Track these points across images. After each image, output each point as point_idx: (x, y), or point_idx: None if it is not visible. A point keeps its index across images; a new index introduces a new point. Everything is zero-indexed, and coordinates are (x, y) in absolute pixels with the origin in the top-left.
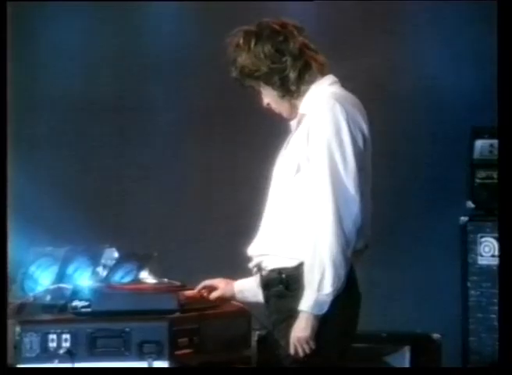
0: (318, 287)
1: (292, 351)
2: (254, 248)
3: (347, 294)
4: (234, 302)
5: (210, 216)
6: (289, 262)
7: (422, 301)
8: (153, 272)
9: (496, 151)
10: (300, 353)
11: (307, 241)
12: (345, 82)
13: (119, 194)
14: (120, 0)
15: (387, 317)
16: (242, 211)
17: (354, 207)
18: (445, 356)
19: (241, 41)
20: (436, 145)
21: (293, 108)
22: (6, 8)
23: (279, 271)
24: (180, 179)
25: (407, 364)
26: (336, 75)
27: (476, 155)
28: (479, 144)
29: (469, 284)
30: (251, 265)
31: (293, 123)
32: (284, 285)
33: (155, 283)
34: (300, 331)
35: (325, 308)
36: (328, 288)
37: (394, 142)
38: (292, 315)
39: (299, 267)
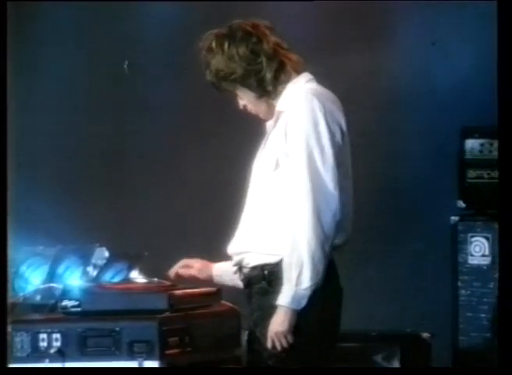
0: (296, 282)
1: (269, 345)
2: (234, 246)
3: (327, 289)
4: (224, 302)
5: (200, 215)
6: (270, 259)
7: (412, 301)
8: (143, 271)
9: (486, 151)
10: (278, 347)
11: (285, 236)
12: (333, 80)
13: (109, 194)
14: (119, 0)
15: (377, 317)
16: (233, 211)
17: (333, 202)
18: (435, 356)
19: (214, 45)
20: (426, 145)
21: (270, 109)
22: (6, 8)
23: (262, 268)
24: (171, 179)
25: (396, 364)
26: (323, 74)
27: (466, 154)
28: (469, 143)
29: (459, 284)
30: (232, 263)
31: (269, 124)
32: (266, 281)
33: (145, 283)
34: (278, 325)
35: (303, 302)
36: (306, 283)
37: (384, 142)
38: (274, 311)
39: (280, 263)
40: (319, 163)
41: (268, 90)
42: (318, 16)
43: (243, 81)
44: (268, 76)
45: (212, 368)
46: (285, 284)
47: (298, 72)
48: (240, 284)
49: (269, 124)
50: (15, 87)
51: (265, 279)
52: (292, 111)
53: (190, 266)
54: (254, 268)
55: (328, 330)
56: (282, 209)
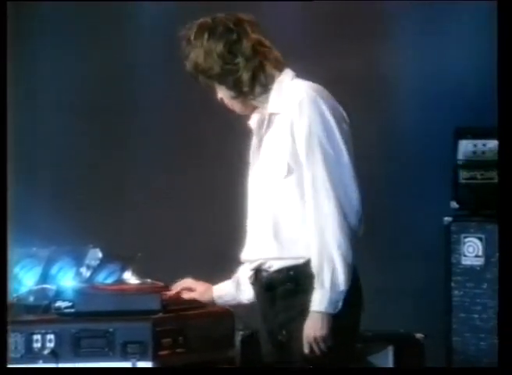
0: (331, 286)
1: (307, 350)
2: (249, 253)
3: (354, 291)
4: None
5: (193, 216)
6: (295, 261)
7: (405, 301)
8: (136, 272)
9: (479, 152)
10: (317, 352)
11: (308, 239)
12: (324, 81)
13: (103, 194)
14: (119, 0)
15: (370, 316)
16: (225, 213)
17: (354, 198)
18: (428, 356)
19: (193, 37)
20: (419, 145)
21: (247, 107)
22: (6, 8)
23: (287, 269)
24: (165, 180)
25: (390, 364)
26: (320, 76)
27: (460, 155)
28: (463, 144)
29: (452, 284)
30: (250, 268)
31: (252, 123)
32: (294, 282)
33: (138, 284)
34: (316, 331)
35: (340, 305)
36: (342, 286)
37: (377, 142)
38: (303, 313)
39: (307, 264)
40: (336, 162)
41: (244, 91)
42: (310, 16)
43: (220, 79)
44: (245, 77)
45: (208, 368)
46: (318, 289)
47: (280, 69)
48: (245, 300)
49: (255, 126)
50: (14, 90)
51: (292, 280)
52: (296, 112)
53: (192, 289)
54: (277, 271)
55: (354, 332)
56: (299, 214)
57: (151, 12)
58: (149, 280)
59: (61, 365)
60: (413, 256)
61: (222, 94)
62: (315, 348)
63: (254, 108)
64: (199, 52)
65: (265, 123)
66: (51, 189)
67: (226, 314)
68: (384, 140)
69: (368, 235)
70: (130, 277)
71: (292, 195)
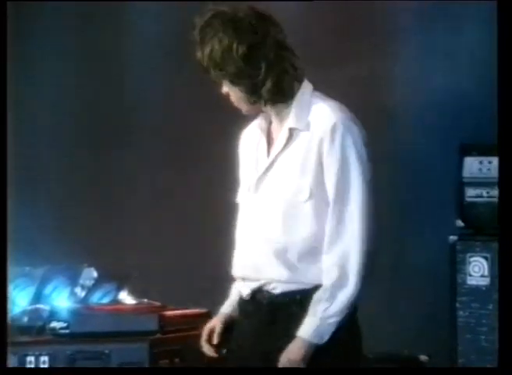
0: (323, 317)
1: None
2: (252, 271)
3: (350, 326)
4: None
5: (191, 235)
6: (303, 286)
7: (409, 322)
8: (132, 292)
9: (485, 169)
10: None
11: (320, 266)
12: (329, 92)
13: (97, 213)
14: (119, 0)
15: (374, 338)
16: (224, 231)
17: (373, 234)
18: None
19: (212, 28)
20: (423, 162)
21: (255, 109)
22: (6, 8)
23: (294, 293)
24: (161, 199)
25: None
26: (322, 84)
27: (465, 172)
28: (468, 161)
29: (458, 305)
30: (250, 286)
31: (258, 133)
32: (299, 307)
33: (135, 304)
34: (296, 355)
35: (326, 338)
36: (334, 318)
37: (381, 159)
38: None
39: (316, 289)
40: (366, 198)
41: (261, 97)
42: (316, 26)
43: (236, 80)
44: (268, 84)
45: (208, 368)
46: (310, 316)
47: (299, 80)
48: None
49: (265, 138)
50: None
51: (298, 304)
52: (327, 137)
53: (214, 331)
54: (283, 294)
55: (356, 358)
56: (316, 240)
57: (151, 12)
58: (146, 300)
59: None
60: (417, 276)
61: (233, 93)
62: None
63: (259, 111)
64: (216, 47)
65: (284, 138)
66: (45, 207)
67: None
68: (388, 157)
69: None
70: (126, 297)
71: (309, 221)
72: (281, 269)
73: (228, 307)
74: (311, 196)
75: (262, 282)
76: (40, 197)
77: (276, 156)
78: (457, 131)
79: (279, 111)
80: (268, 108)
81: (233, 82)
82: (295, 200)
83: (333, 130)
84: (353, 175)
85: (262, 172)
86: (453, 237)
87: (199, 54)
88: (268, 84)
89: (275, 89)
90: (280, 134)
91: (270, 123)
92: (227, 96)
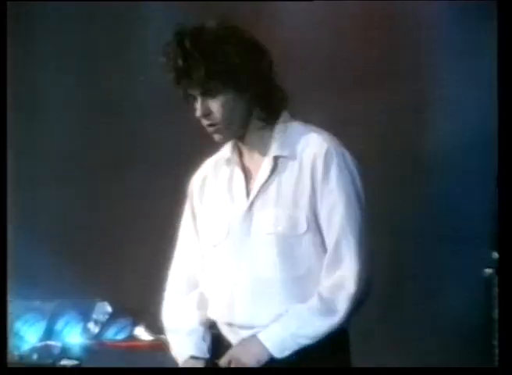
0: (295, 334)
1: (222, 363)
2: (242, 317)
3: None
4: None
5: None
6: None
7: (444, 355)
8: (149, 328)
9: None
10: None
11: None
12: (339, 127)
13: (110, 245)
14: (119, 0)
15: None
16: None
17: (370, 254)
18: None
19: (228, 35)
20: (458, 192)
21: (229, 137)
22: (6, 8)
23: None
24: (174, 230)
25: None
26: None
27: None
28: None
29: (495, 342)
30: (241, 335)
31: (232, 159)
32: (295, 355)
33: (152, 341)
34: (246, 357)
35: (286, 353)
36: (306, 340)
37: (411, 189)
38: None
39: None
40: (361, 226)
41: (262, 116)
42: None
43: (238, 90)
44: (263, 103)
45: (208, 368)
46: (281, 325)
47: (283, 105)
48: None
49: (248, 167)
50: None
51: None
52: (320, 166)
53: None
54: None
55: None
56: (313, 278)
57: (152, 11)
58: (163, 336)
59: None
60: (452, 310)
61: (217, 104)
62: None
63: (228, 140)
64: (233, 53)
65: (269, 168)
66: (55, 238)
67: None
68: (421, 187)
69: (403, 288)
70: (143, 333)
71: (307, 255)
72: (267, 312)
73: (195, 349)
74: (308, 228)
75: (256, 330)
76: (50, 228)
77: (260, 189)
78: (493, 160)
79: (257, 139)
80: (247, 135)
81: (238, 91)
82: (290, 234)
83: (327, 157)
84: (350, 203)
85: (246, 209)
86: (488, 270)
87: (199, 63)
88: (263, 102)
89: (267, 108)
90: (263, 164)
91: (240, 154)
92: (204, 115)
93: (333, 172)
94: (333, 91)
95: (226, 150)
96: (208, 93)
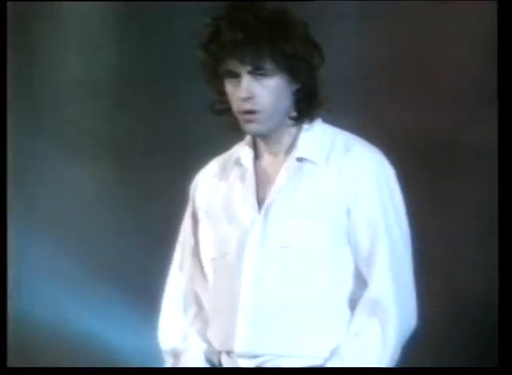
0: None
1: None
2: (248, 346)
3: None
4: None
5: None
6: (314, 361)
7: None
8: None
9: None
10: None
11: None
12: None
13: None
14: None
15: None
16: None
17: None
18: None
19: (292, 19)
20: None
21: (269, 131)
22: (6, 8)
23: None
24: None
25: None
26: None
27: None
28: None
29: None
30: (247, 364)
31: (246, 160)
32: None
33: None
34: None
35: None
36: None
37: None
38: None
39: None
40: (402, 242)
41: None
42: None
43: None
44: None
45: (208, 368)
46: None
47: (314, 111)
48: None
49: (245, 158)
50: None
51: None
52: (365, 180)
53: None
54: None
55: None
56: (335, 301)
57: (152, 11)
58: None
59: None
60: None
61: (264, 87)
62: None
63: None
64: (302, 38)
65: (290, 170)
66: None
67: None
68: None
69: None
70: None
71: (325, 276)
72: (287, 341)
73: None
74: (332, 245)
75: (263, 359)
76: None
77: (277, 194)
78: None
79: (281, 137)
80: (273, 133)
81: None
82: (309, 249)
83: (375, 174)
84: (396, 240)
85: (258, 217)
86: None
87: (244, 35)
88: (306, 99)
89: (305, 106)
90: (283, 167)
91: (256, 154)
92: (246, 101)
93: (382, 194)
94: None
95: (240, 147)
96: (259, 72)
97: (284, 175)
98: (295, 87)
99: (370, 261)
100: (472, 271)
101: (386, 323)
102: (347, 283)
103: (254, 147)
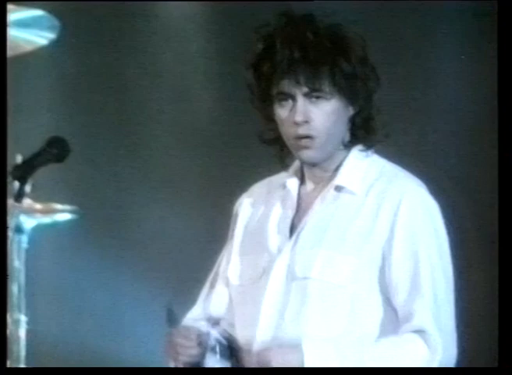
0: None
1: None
2: None
3: None
4: None
5: None
6: None
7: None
8: None
9: None
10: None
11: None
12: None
13: None
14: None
15: None
16: None
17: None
18: None
19: (349, 36)
20: None
21: (325, 158)
22: (6, 8)
23: None
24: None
25: None
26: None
27: None
28: None
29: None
30: None
31: (291, 184)
32: None
33: None
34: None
35: None
36: None
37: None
38: None
39: None
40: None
41: (356, 136)
42: None
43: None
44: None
45: (208, 368)
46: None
47: (369, 138)
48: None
49: (291, 184)
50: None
51: None
52: (404, 209)
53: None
54: None
55: None
56: (349, 337)
57: (151, 12)
58: None
59: None
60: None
61: (321, 111)
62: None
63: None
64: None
65: (328, 198)
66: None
67: None
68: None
69: None
70: None
71: (349, 313)
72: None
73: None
74: (355, 279)
75: None
76: None
77: (310, 222)
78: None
79: (328, 164)
80: (325, 161)
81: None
82: (332, 283)
83: (411, 206)
84: (441, 267)
85: (287, 245)
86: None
87: (302, 54)
88: (360, 125)
89: (366, 124)
90: (322, 194)
91: (303, 179)
92: (302, 125)
93: (428, 228)
94: None
95: (287, 173)
96: (316, 94)
97: (319, 203)
98: (352, 111)
99: (412, 294)
100: (472, 271)
101: (434, 350)
102: (371, 319)
103: (301, 172)
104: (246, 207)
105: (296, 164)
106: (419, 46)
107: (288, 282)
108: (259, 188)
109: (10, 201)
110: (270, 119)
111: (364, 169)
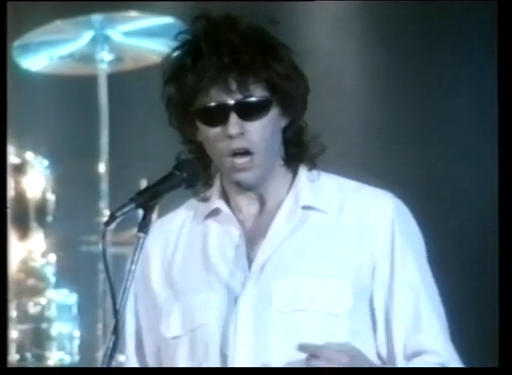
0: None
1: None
2: None
3: None
4: None
5: None
6: None
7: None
8: None
9: None
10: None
11: None
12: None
13: None
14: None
15: None
16: None
17: None
18: None
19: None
20: None
21: (263, 178)
22: (6, 8)
23: None
24: None
25: None
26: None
27: None
28: None
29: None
30: None
31: (224, 207)
32: None
33: None
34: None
35: None
36: None
37: None
38: None
39: None
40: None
41: (293, 151)
42: None
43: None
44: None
45: (208, 368)
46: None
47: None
48: None
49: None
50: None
51: None
52: (386, 229)
53: None
54: None
55: None
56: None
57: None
58: None
59: None
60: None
61: (257, 122)
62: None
63: (257, 181)
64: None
65: (293, 220)
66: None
67: None
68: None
69: None
70: None
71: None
72: None
73: None
74: (352, 307)
75: None
76: None
77: (276, 249)
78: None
79: (271, 186)
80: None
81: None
82: (325, 313)
83: (394, 219)
84: (431, 289)
85: (251, 276)
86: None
87: (230, 60)
88: (294, 137)
89: (294, 147)
90: (279, 216)
91: (228, 203)
92: (237, 138)
93: (410, 241)
94: None
95: (211, 193)
96: (249, 101)
97: (283, 226)
98: (283, 123)
99: (416, 315)
100: (472, 268)
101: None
102: (364, 344)
103: (225, 194)
104: (161, 243)
105: (218, 186)
106: (419, 46)
107: (262, 319)
108: (175, 220)
109: (133, 232)
110: (190, 139)
111: (327, 187)
